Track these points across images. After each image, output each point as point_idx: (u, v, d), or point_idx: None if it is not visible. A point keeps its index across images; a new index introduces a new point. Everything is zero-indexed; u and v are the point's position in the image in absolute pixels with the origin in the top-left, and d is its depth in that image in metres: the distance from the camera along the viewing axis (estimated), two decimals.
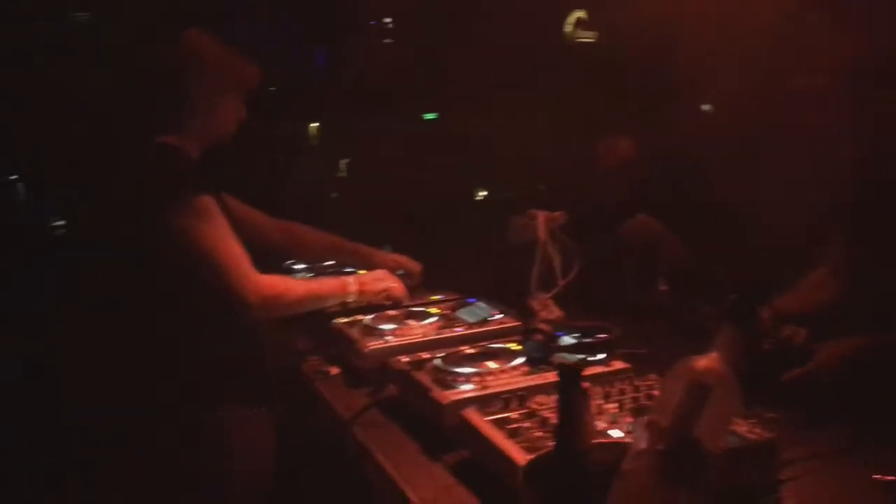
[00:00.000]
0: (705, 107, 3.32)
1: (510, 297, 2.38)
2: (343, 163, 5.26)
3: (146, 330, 2.13)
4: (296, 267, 2.88)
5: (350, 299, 2.29)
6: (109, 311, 2.27)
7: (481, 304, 2.41)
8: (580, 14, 4.54)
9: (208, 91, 2.16)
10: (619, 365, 1.88)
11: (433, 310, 2.41)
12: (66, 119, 3.82)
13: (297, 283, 2.23)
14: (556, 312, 2.14)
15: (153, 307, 2.10)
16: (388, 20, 5.75)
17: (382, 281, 2.36)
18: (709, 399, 1.18)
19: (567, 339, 1.99)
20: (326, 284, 2.28)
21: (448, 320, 2.32)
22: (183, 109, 2.15)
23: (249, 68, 2.26)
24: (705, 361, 1.23)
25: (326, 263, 2.83)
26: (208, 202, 2.02)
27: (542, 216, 2.34)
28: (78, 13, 4.99)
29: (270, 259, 2.35)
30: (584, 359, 1.87)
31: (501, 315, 2.31)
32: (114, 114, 2.50)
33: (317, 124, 5.67)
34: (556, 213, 2.35)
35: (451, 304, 2.47)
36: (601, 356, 1.91)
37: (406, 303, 2.44)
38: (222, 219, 2.04)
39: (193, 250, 1.96)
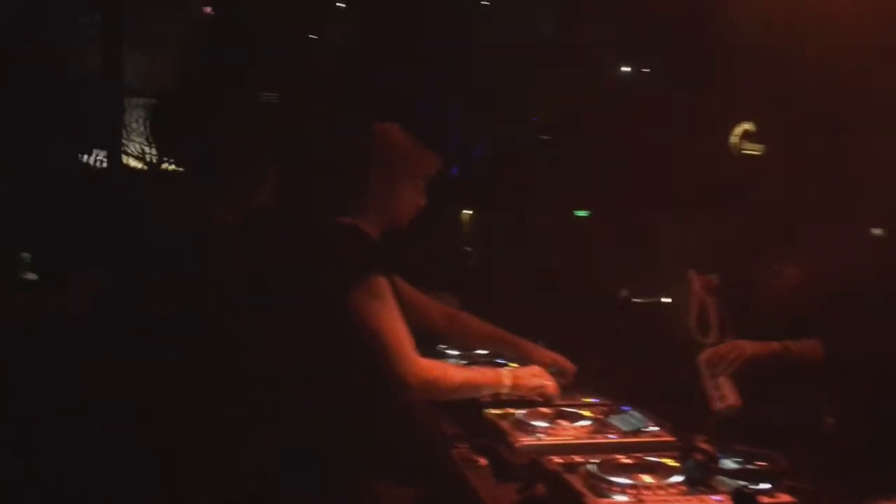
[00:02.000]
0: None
1: (658, 403, 2.36)
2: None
3: (306, 396, 2.23)
4: (448, 352, 2.95)
5: (503, 391, 2.33)
6: (271, 376, 2.39)
7: (635, 414, 2.37)
8: (748, 126, 4.51)
9: (391, 178, 2.30)
10: (784, 498, 1.80)
11: (586, 412, 2.39)
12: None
13: (455, 370, 2.30)
14: (730, 398, 2.10)
15: (315, 375, 2.20)
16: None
17: (537, 377, 2.38)
18: None
19: (728, 463, 1.93)
20: (483, 375, 2.33)
21: (601, 425, 2.30)
22: (365, 194, 2.29)
23: (431, 157, 2.40)
24: None
25: (479, 352, 2.89)
26: (383, 283, 2.13)
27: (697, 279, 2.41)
28: (266, 93, 5.45)
29: (423, 339, 2.43)
30: (747, 486, 1.81)
31: (657, 428, 2.27)
32: (300, 190, 2.68)
33: (470, 212, 5.84)
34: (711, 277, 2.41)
35: (603, 409, 2.45)
36: (765, 486, 1.83)
37: (556, 402, 2.45)
38: (393, 300, 2.15)
39: (363, 328, 2.07)
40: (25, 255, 4.49)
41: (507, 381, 2.30)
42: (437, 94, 5.24)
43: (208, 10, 6.18)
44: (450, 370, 2.25)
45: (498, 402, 2.44)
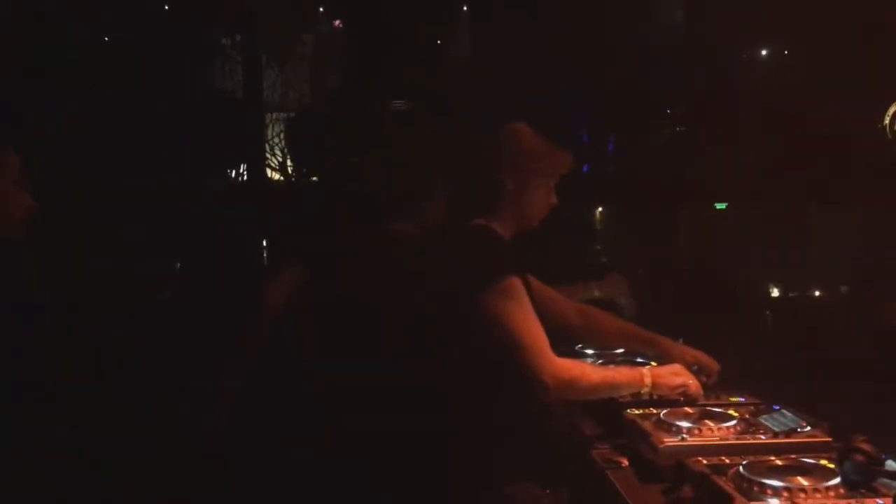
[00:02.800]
0: None
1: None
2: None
3: (443, 399, 2.27)
4: (586, 351, 2.92)
5: (643, 391, 2.29)
6: (404, 377, 2.46)
7: (787, 413, 2.27)
8: None
9: (523, 179, 2.30)
10: None
11: (732, 412, 2.31)
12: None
13: (593, 369, 2.27)
14: None
15: (452, 377, 2.24)
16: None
17: (678, 376, 2.32)
18: None
19: (893, 465, 1.82)
20: (621, 374, 2.30)
21: (749, 425, 2.21)
22: (498, 195, 2.31)
23: (562, 156, 2.38)
24: None
25: (617, 351, 2.84)
26: (517, 283, 2.14)
27: None
28: (396, 102, 5.59)
29: (561, 340, 2.42)
30: None
31: (810, 427, 2.17)
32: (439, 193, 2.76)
33: (601, 209, 5.76)
34: None
35: (752, 408, 2.36)
36: None
37: (701, 402, 2.38)
38: (527, 300, 2.16)
39: (499, 329, 2.09)
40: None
41: (647, 380, 2.25)
42: (564, 90, 5.20)
43: (338, 23, 6.40)
44: (587, 370, 2.23)
45: (639, 401, 2.41)
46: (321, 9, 6.30)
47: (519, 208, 2.32)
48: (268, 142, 6.02)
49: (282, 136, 6.16)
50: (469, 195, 2.42)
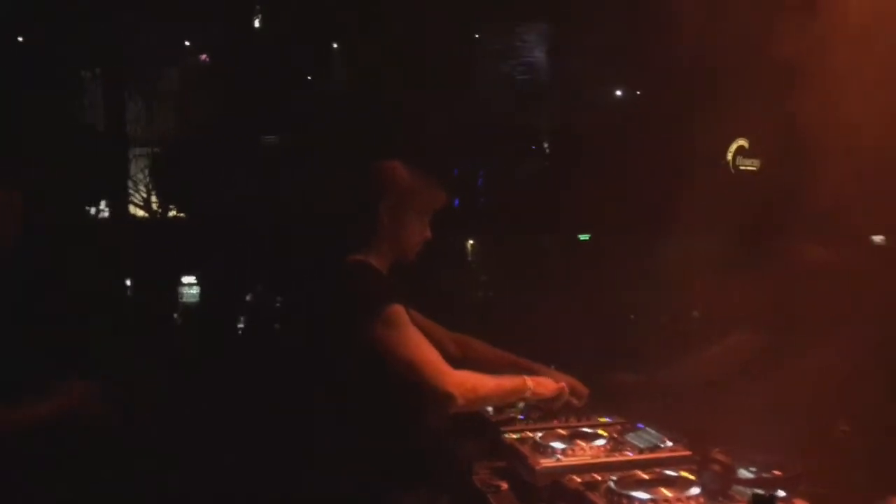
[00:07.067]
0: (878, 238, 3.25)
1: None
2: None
3: (350, 417, 2.29)
4: None
5: (527, 395, 2.34)
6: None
7: (650, 430, 2.42)
8: (742, 142, 4.59)
9: (399, 215, 2.36)
10: (800, 503, 1.85)
11: (602, 432, 2.44)
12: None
13: (485, 377, 2.28)
14: None
15: (350, 409, 2.26)
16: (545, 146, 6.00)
17: (555, 382, 2.41)
18: None
19: (745, 473, 1.98)
20: (508, 380, 2.34)
21: (617, 443, 2.35)
22: (374, 230, 2.35)
23: (437, 193, 2.45)
24: None
25: None
26: (399, 310, 2.19)
27: None
28: (268, 136, 5.56)
29: None
30: (772, 496, 1.85)
31: (672, 443, 2.32)
32: (314, 233, 2.77)
33: (471, 242, 5.91)
34: None
35: (619, 427, 2.50)
36: (781, 493, 1.88)
37: (573, 423, 2.50)
38: (411, 324, 2.21)
39: (393, 356, 2.13)
40: None
41: (530, 383, 2.32)
42: (434, 127, 5.33)
43: (204, 57, 6.31)
44: (482, 377, 2.26)
45: (515, 421, 2.53)
46: (187, 42, 6.20)
47: (395, 242, 2.37)
48: (131, 177, 5.85)
49: (146, 171, 6.00)
50: (345, 230, 2.46)
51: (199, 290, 5.28)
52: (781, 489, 1.90)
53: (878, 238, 3.24)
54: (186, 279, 5.24)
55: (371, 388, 2.19)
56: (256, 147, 5.23)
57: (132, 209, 5.94)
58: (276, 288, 5.09)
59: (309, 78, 5.85)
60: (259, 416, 3.92)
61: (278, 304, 5.09)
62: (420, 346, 2.14)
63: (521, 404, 2.68)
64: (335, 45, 5.91)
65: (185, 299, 5.29)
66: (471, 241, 5.65)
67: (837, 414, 2.24)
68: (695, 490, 1.93)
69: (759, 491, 1.71)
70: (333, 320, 2.27)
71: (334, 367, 2.27)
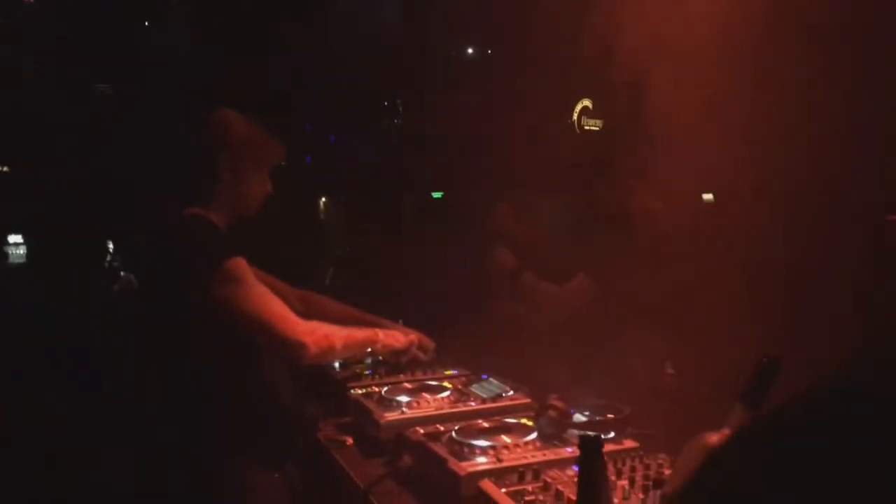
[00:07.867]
0: (707, 196, 3.46)
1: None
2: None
3: (183, 384, 2.19)
4: None
5: (378, 346, 2.32)
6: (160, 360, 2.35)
7: (493, 381, 2.48)
8: (586, 102, 4.74)
9: (235, 166, 2.26)
10: (629, 444, 1.95)
11: (447, 384, 2.48)
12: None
13: (335, 328, 2.22)
14: None
15: (197, 360, 2.16)
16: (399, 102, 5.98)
17: (404, 335, 2.41)
18: None
19: (579, 417, 2.07)
20: (359, 331, 2.29)
21: (462, 395, 2.39)
22: (211, 183, 2.25)
23: (275, 146, 2.37)
24: (718, 436, 1.31)
25: None
26: (241, 263, 2.10)
27: None
28: (101, 85, 5.22)
29: None
30: (598, 436, 1.94)
31: (513, 392, 2.39)
32: (150, 182, 2.63)
33: (324, 200, 5.82)
34: None
35: (464, 379, 2.55)
36: (612, 434, 1.98)
37: (421, 375, 2.53)
38: (254, 278, 2.13)
39: (238, 311, 2.04)
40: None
41: (380, 335, 2.29)
42: (285, 83, 5.18)
43: None
44: (332, 328, 2.19)
45: (362, 377, 2.52)
46: None
47: (234, 196, 2.27)
48: None
49: None
50: (183, 184, 2.34)
51: (25, 251, 4.93)
52: (612, 430, 2.00)
53: (707, 196, 3.46)
54: (13, 238, 4.86)
55: (211, 350, 2.10)
56: (89, 97, 4.90)
57: None
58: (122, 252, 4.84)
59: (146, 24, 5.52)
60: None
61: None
62: (265, 299, 2.07)
63: (369, 360, 2.68)
64: None
65: (11, 260, 4.91)
66: (323, 199, 5.57)
67: (664, 357, 2.37)
68: (532, 435, 2.00)
69: (588, 433, 1.78)
70: (168, 279, 2.16)
71: (173, 331, 2.16)
